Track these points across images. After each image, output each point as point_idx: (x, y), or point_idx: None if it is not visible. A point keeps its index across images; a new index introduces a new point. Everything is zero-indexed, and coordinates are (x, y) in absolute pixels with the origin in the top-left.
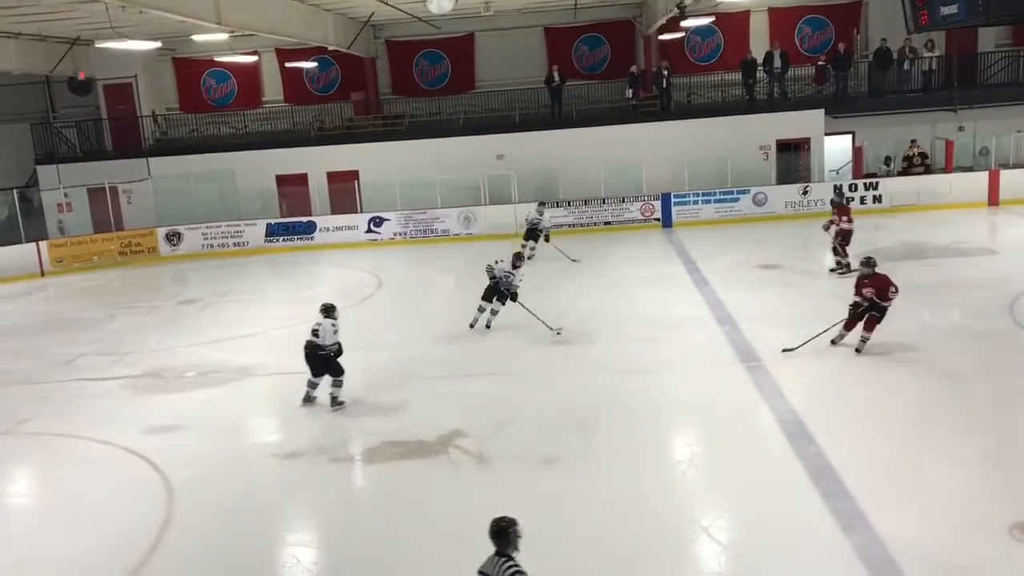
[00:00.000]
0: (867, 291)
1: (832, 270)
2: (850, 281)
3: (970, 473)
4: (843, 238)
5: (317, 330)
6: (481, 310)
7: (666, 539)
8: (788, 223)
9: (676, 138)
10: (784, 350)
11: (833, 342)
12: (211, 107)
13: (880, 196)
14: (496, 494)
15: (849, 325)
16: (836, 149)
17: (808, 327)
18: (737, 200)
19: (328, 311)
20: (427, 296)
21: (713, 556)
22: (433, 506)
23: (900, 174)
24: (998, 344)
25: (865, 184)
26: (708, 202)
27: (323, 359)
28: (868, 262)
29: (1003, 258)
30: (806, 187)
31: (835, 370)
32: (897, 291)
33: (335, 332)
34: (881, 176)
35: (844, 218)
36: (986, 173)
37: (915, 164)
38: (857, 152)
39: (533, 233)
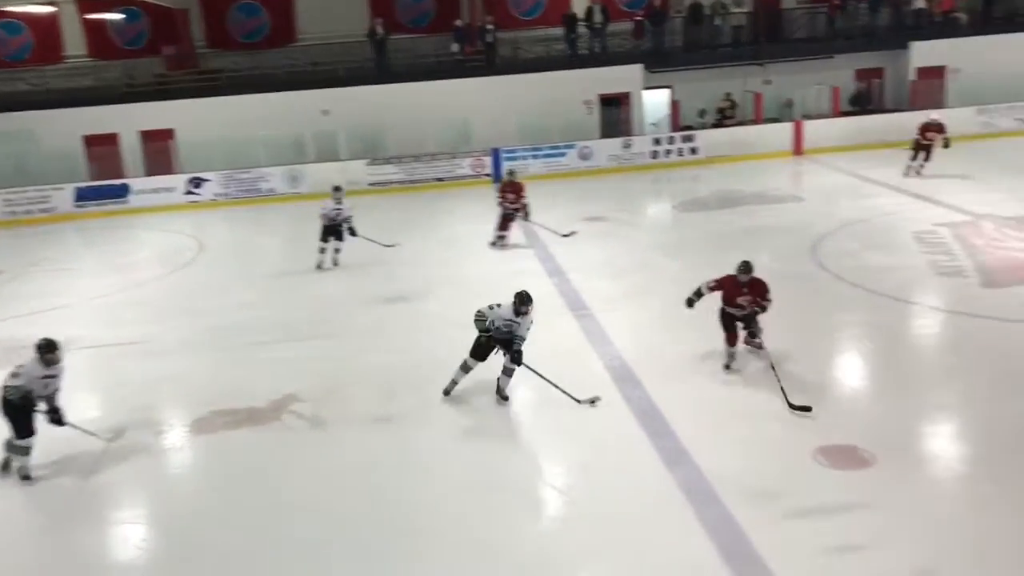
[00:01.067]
0: (743, 299)
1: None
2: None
3: (781, 404)
4: (508, 219)
5: (18, 373)
6: (455, 381)
7: (504, 490)
8: (611, 176)
9: (503, 93)
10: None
11: (728, 367)
12: (4, 62)
13: (696, 148)
14: (334, 457)
15: (732, 340)
16: (655, 103)
17: (632, 277)
18: (564, 155)
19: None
20: (253, 259)
21: (549, 501)
22: (269, 474)
23: (714, 126)
24: (804, 286)
25: (682, 136)
26: (536, 157)
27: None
28: (746, 268)
29: (807, 204)
30: (628, 141)
31: (659, 317)
32: (770, 300)
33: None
34: (696, 128)
35: (510, 196)
36: (791, 124)
37: (727, 116)
38: (674, 106)
39: (334, 230)
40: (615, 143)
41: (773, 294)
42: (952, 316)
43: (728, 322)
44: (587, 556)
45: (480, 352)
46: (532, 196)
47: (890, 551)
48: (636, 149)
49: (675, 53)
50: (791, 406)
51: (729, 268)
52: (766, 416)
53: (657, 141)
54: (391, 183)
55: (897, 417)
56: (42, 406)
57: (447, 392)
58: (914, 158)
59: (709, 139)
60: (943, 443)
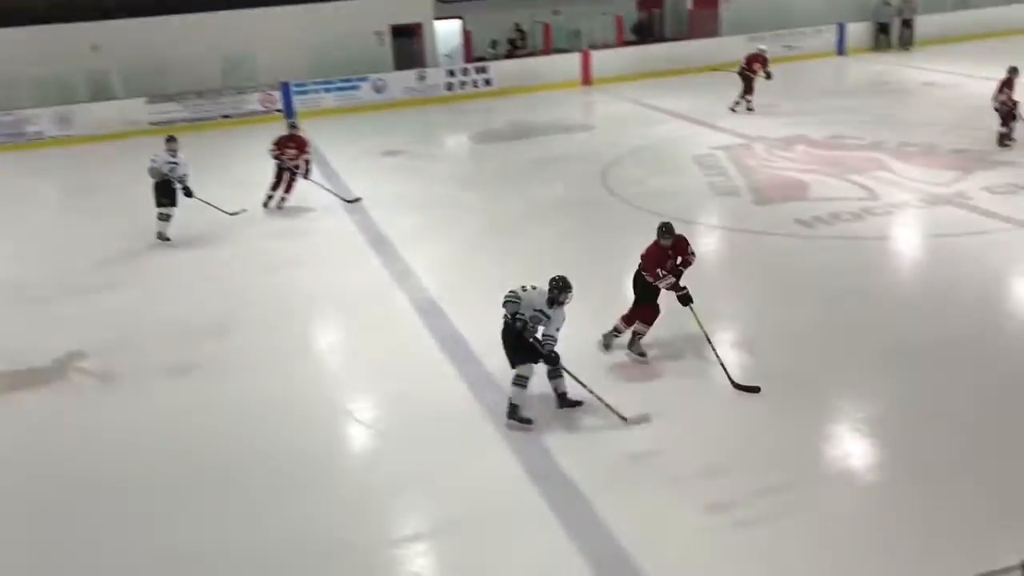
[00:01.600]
0: (664, 271)
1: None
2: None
3: (575, 317)
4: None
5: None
6: (517, 406)
7: (315, 427)
8: (407, 109)
9: (290, 25)
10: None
11: (606, 345)
12: None
13: (490, 79)
14: (130, 413)
15: (649, 316)
16: (447, 34)
17: (433, 211)
18: (357, 88)
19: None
20: (24, 209)
21: (358, 436)
22: (61, 438)
23: (505, 57)
24: (595, 210)
25: (475, 68)
26: (329, 91)
27: None
28: (668, 230)
29: (597, 133)
30: (422, 72)
31: (460, 249)
32: (694, 253)
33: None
34: (489, 60)
35: (291, 152)
36: (579, 54)
37: (517, 47)
38: (466, 36)
39: (167, 188)
40: (409, 75)
41: (569, 221)
42: (729, 232)
43: (649, 295)
44: (404, 482)
45: (516, 349)
46: (327, 131)
47: (683, 453)
48: (430, 81)
49: None
50: (736, 386)
51: (520, 197)
52: (564, 338)
53: (451, 73)
54: (175, 122)
55: (683, 332)
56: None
57: (524, 421)
58: (744, 93)
59: (501, 70)
60: (725, 350)
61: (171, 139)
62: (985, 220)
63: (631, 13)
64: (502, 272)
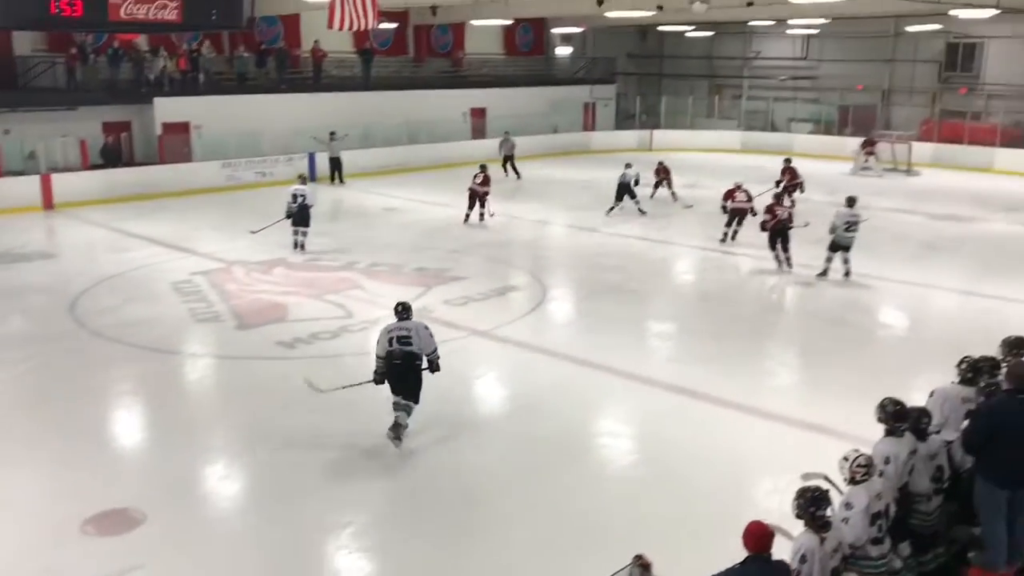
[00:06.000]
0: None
1: None
2: None
3: (42, 476)
4: None
5: None
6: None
7: None
8: None
9: None
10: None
11: None
12: None
13: None
14: None
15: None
16: None
17: None
18: None
19: None
20: None
21: None
22: None
23: None
24: (61, 346)
25: None
26: None
27: None
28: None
29: (62, 261)
30: None
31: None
32: None
33: None
34: None
35: None
36: (38, 177)
37: None
38: None
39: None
40: None
41: (25, 361)
42: (214, 360)
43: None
44: None
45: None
46: None
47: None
48: None
49: None
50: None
51: None
52: (24, 487)
53: None
54: None
55: (175, 468)
56: None
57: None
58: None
59: None
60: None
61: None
62: (447, 330)
63: (97, 137)
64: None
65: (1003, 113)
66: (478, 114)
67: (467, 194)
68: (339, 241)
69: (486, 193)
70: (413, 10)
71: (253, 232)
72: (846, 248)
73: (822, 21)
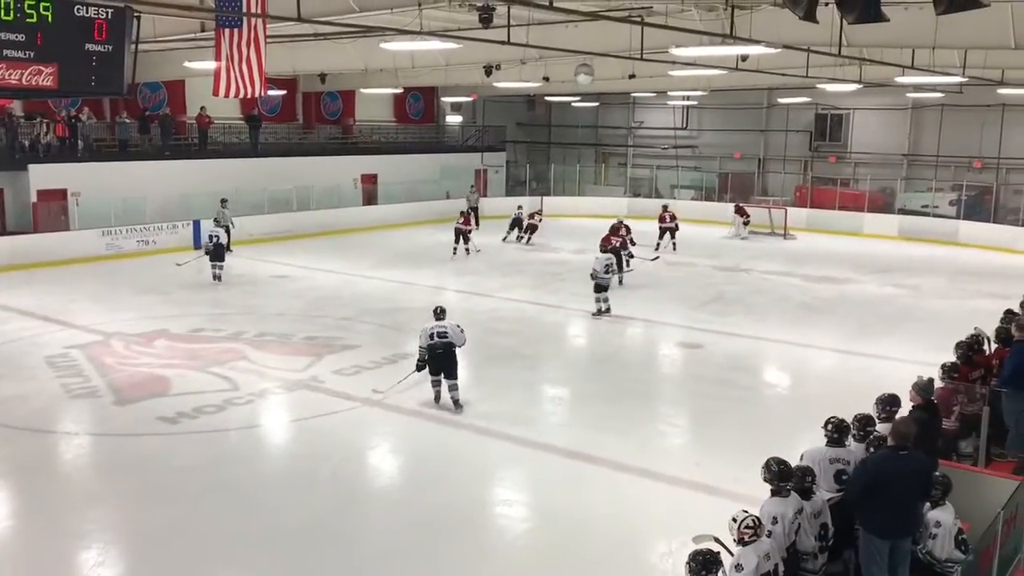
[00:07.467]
0: None
1: None
2: None
3: None
4: None
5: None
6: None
7: None
8: None
9: None
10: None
11: None
12: None
13: None
14: None
15: None
16: None
17: None
18: None
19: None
20: None
21: None
22: None
23: None
24: None
25: None
26: None
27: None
28: None
29: None
30: None
31: None
32: None
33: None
34: None
35: None
36: None
37: None
38: None
39: None
40: None
41: None
42: (91, 438)
43: None
44: None
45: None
46: None
47: None
48: None
49: None
50: None
51: None
52: None
53: None
54: None
55: (43, 558)
56: None
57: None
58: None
59: None
60: None
61: None
62: (337, 400)
63: None
64: None
65: (869, 180)
66: (369, 180)
67: (452, 232)
68: (225, 310)
69: (469, 231)
70: (302, 77)
71: (179, 265)
72: (605, 288)
73: (700, 93)
